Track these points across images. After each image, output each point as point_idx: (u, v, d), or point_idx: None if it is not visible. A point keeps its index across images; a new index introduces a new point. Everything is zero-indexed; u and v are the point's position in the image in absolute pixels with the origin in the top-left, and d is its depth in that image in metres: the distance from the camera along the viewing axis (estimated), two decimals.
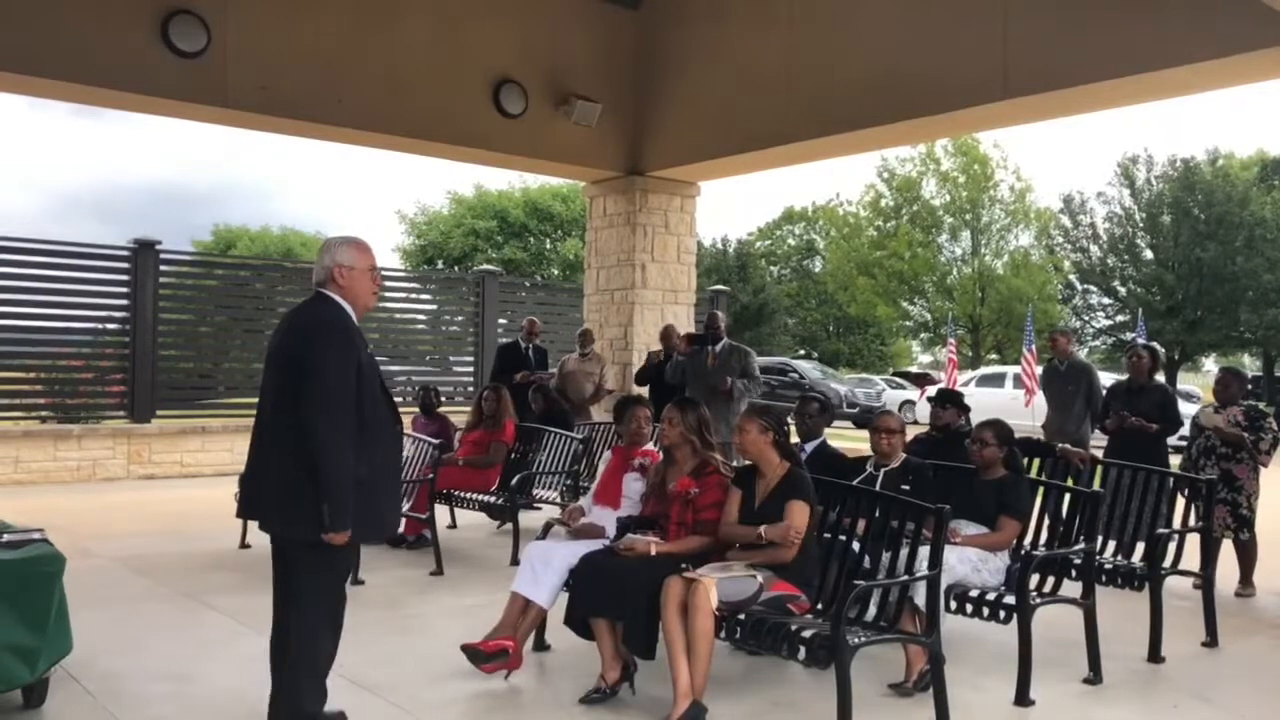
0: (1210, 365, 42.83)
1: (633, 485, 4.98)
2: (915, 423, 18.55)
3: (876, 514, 4.51)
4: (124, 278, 12.14)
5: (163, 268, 12.50)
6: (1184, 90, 7.92)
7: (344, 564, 3.72)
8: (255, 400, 13.31)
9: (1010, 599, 4.56)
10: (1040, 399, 8.91)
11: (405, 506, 6.94)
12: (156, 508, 9.70)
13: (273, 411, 3.59)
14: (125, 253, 12.19)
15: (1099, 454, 6.98)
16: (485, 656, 4.48)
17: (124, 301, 12.14)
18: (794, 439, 5.65)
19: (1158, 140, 64.63)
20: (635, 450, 5.16)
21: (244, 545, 7.63)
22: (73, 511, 9.20)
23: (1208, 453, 6.76)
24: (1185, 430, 7.37)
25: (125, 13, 8.07)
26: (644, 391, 9.82)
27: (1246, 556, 6.78)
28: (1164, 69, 7.08)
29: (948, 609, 4.63)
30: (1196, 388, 31.08)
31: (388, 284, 15.95)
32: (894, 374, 35.93)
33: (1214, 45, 6.78)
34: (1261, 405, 7.10)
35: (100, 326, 12.49)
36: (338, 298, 3.66)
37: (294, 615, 3.62)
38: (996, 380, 22.92)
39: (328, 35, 9.01)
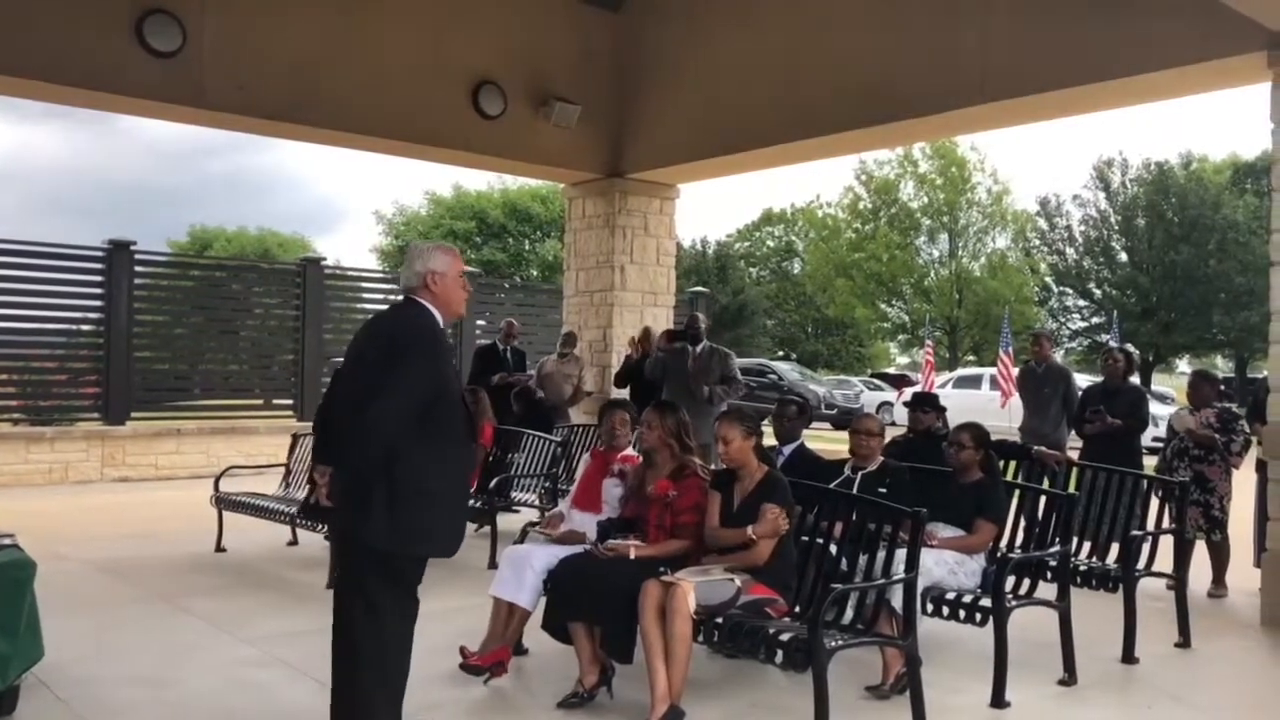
0: (1184, 367, 43.28)
1: (613, 491, 4.97)
2: (893, 424, 18.64)
3: (854, 517, 4.53)
4: (98, 279, 12.05)
5: (137, 268, 12.41)
6: (1158, 95, 7.99)
7: (413, 576, 3.62)
8: (230, 402, 13.03)
9: (986, 601, 4.59)
10: (1017, 400, 8.96)
11: None
12: (131, 510, 9.62)
13: (351, 413, 3.46)
14: (99, 253, 12.09)
15: (1075, 456, 7.04)
16: (484, 670, 4.51)
17: (98, 303, 12.04)
18: (770, 441, 5.67)
19: (1132, 144, 65.30)
20: (613, 454, 5.15)
21: (220, 549, 7.58)
22: (45, 515, 9.10)
23: (1181, 455, 6.83)
24: (1161, 432, 7.44)
25: (98, 12, 7.98)
26: (624, 393, 9.81)
27: (1219, 557, 6.85)
28: (1139, 74, 7.14)
29: (924, 612, 4.65)
30: (1170, 389, 31.39)
31: (365, 285, 15.90)
32: (872, 375, 36.10)
33: (1188, 51, 6.85)
34: (1233, 407, 7.17)
35: (74, 328, 12.37)
36: (428, 304, 3.60)
37: (368, 631, 3.51)
38: (973, 382, 23.07)
39: (305, 36, 8.95)
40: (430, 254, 3.63)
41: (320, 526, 6.29)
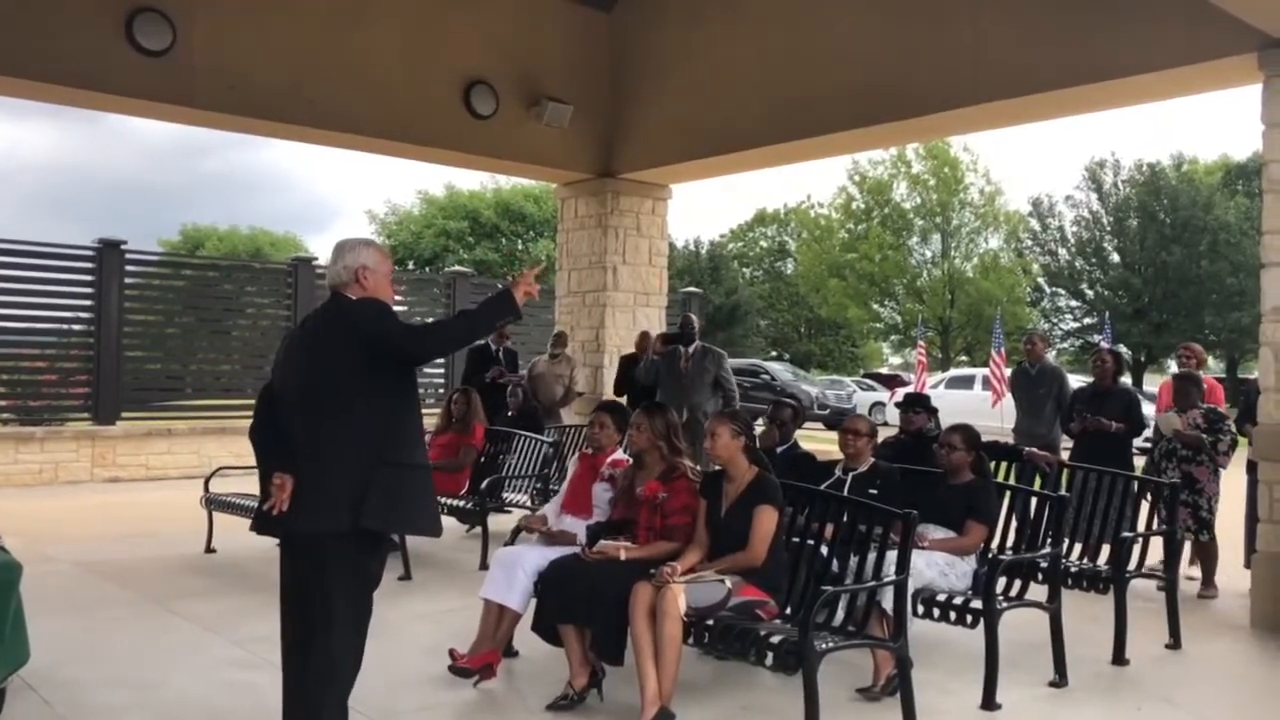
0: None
1: (602, 495, 4.95)
2: (885, 424, 18.65)
3: (845, 518, 4.52)
4: (88, 278, 11.99)
5: (128, 268, 12.36)
6: (1149, 96, 8.01)
7: (371, 569, 3.50)
8: (222, 402, 12.89)
9: (977, 603, 4.59)
10: (1008, 401, 8.96)
11: None
12: (121, 511, 9.57)
13: (315, 413, 3.34)
14: (90, 252, 12.03)
15: (1066, 457, 7.04)
16: (472, 672, 4.49)
17: (88, 302, 11.99)
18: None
19: (1124, 145, 65.38)
20: (600, 458, 5.12)
21: (210, 550, 7.55)
22: (34, 516, 9.06)
23: (1169, 456, 6.84)
24: (1150, 433, 7.47)
25: (87, 10, 7.95)
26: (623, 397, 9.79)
27: (1207, 558, 6.86)
28: (1131, 76, 7.16)
29: (915, 613, 4.65)
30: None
31: None
32: (865, 376, 36.14)
33: (1179, 53, 6.87)
34: (1219, 408, 7.19)
35: (65, 327, 12.32)
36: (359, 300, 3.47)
37: (318, 630, 3.39)
38: (965, 382, 23.11)
39: (296, 34, 8.92)
40: (360, 249, 3.51)
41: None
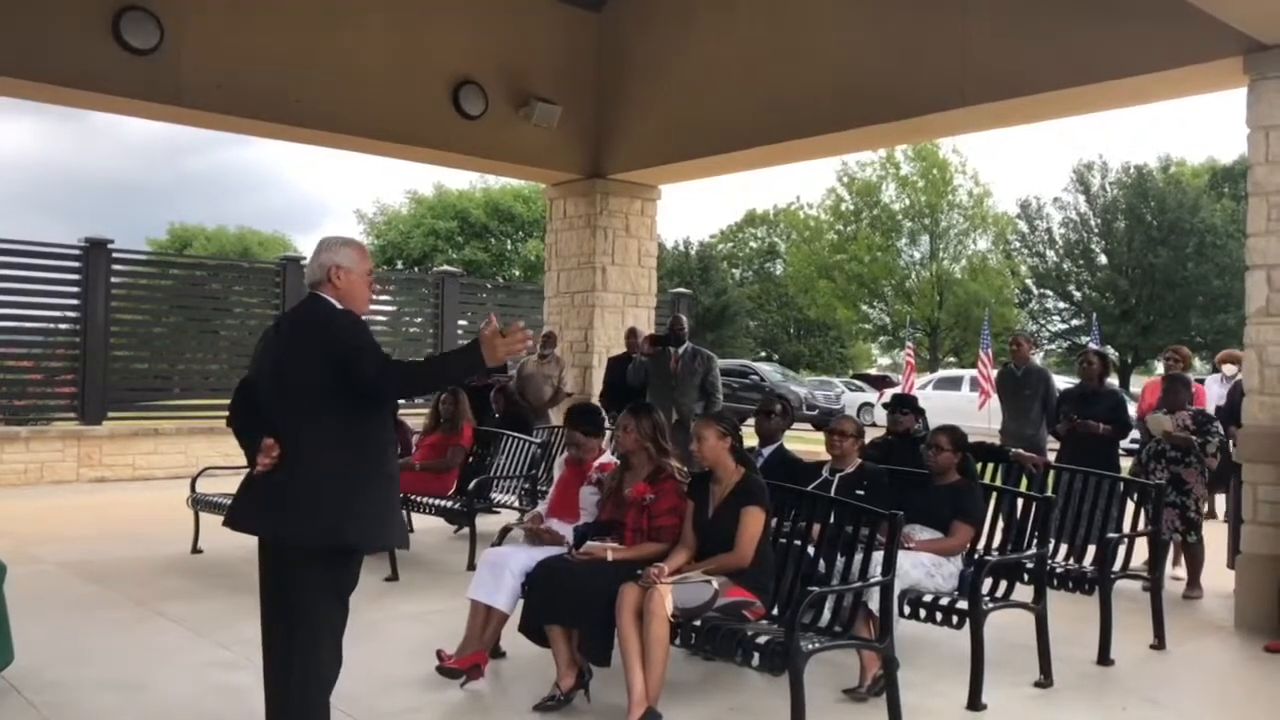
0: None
1: (590, 498, 4.94)
2: (873, 425, 18.70)
3: (831, 519, 4.54)
4: (75, 277, 11.93)
5: (115, 267, 12.31)
6: (1137, 99, 8.05)
7: (349, 578, 3.44)
8: (210, 402, 12.82)
9: (963, 604, 4.61)
10: (995, 402, 8.98)
11: None
12: (107, 512, 9.53)
13: (289, 414, 3.28)
14: (76, 251, 11.98)
15: (1053, 458, 7.07)
16: (460, 673, 4.49)
17: (75, 301, 11.93)
18: (752, 441, 5.67)
19: (1112, 147, 65.67)
20: (587, 463, 5.11)
21: (196, 550, 7.53)
22: (19, 516, 9.01)
23: (1157, 456, 6.87)
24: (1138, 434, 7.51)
25: (74, 8, 7.90)
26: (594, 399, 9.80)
27: (1194, 559, 6.90)
28: (1118, 78, 7.19)
29: (901, 614, 4.67)
30: None
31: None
32: (853, 376, 36.23)
33: (1166, 56, 6.90)
34: (1208, 411, 7.23)
35: (51, 326, 12.26)
36: (333, 300, 3.40)
37: (298, 636, 3.33)
38: (953, 383, 23.19)
39: (285, 33, 8.89)
40: (336, 249, 3.43)
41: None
